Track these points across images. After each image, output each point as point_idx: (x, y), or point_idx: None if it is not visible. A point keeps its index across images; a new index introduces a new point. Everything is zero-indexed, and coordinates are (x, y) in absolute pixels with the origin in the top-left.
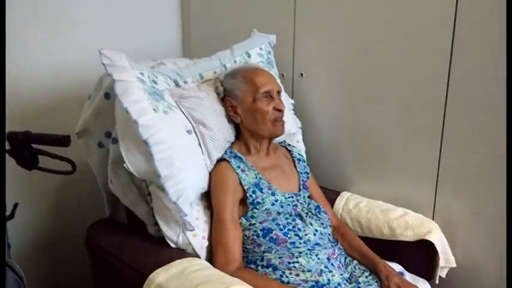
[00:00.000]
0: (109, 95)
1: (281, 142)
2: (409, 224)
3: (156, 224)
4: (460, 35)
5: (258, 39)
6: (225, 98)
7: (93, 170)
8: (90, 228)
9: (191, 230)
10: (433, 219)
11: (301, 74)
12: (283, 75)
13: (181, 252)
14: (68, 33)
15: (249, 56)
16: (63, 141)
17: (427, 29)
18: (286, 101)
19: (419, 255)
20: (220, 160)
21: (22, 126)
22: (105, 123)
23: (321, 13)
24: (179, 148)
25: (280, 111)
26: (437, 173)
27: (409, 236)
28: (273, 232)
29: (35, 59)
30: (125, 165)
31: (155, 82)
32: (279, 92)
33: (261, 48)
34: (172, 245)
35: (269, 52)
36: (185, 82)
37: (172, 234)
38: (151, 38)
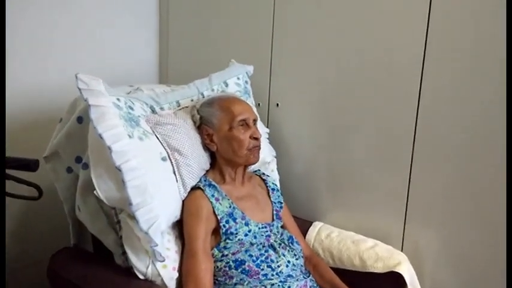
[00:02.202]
0: (82, 119)
1: (256, 171)
2: (379, 255)
3: (124, 253)
4: (429, 71)
5: (236, 69)
6: (201, 125)
7: (59, 195)
8: (53, 257)
9: (161, 261)
10: (402, 251)
11: (277, 104)
12: (259, 104)
13: (149, 284)
14: (42, 54)
15: (227, 85)
16: (30, 165)
17: (398, 61)
18: (262, 130)
19: (389, 287)
20: (194, 188)
21: None
22: (76, 148)
23: (297, 44)
24: (153, 175)
25: (257, 139)
26: (406, 204)
27: (379, 267)
28: (246, 264)
29: (9, 80)
30: (95, 192)
31: (131, 108)
32: (255, 121)
33: (238, 78)
34: (141, 276)
35: (246, 82)
36: (162, 108)
37: (141, 265)
38: (128, 63)
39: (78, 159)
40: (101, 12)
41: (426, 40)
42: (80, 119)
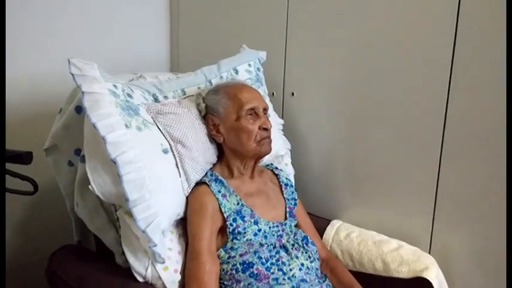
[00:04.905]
0: (81, 109)
1: (268, 165)
2: (404, 258)
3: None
4: (459, 61)
5: (247, 55)
6: (207, 115)
7: (61, 190)
8: (52, 256)
9: (161, 263)
10: (429, 253)
11: (292, 93)
12: (273, 93)
13: (149, 287)
14: (45, 43)
15: (237, 72)
16: (23, 158)
17: (426, 43)
18: (276, 121)
19: None
20: (199, 183)
21: None
22: (75, 140)
23: (314, 30)
24: (152, 169)
25: (267, 130)
26: (435, 201)
27: (404, 272)
28: (254, 266)
29: (8, 70)
30: (90, 186)
31: (130, 96)
32: (265, 110)
33: (249, 65)
34: (140, 279)
35: (258, 69)
36: (165, 97)
37: (139, 267)
38: (137, 53)
39: (78, 152)
40: None
41: (457, 19)
42: (78, 109)
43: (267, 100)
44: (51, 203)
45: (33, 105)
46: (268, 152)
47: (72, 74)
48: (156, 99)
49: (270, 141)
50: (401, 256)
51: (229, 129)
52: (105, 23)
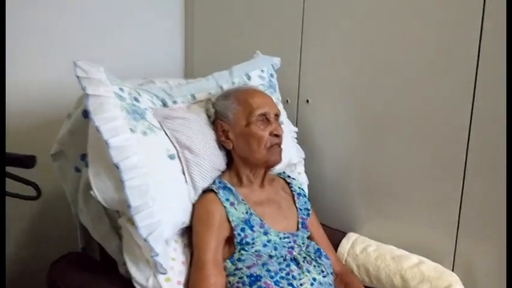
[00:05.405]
0: (87, 113)
1: (280, 173)
2: (425, 275)
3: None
4: (484, 68)
5: (260, 61)
6: (216, 121)
7: (67, 196)
8: (53, 264)
9: (163, 273)
10: (453, 270)
11: (307, 101)
12: (287, 101)
13: None
14: (53, 48)
15: (249, 78)
16: (25, 161)
17: (448, 49)
18: (289, 129)
19: None
20: (206, 191)
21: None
22: (81, 145)
23: (330, 35)
24: (157, 175)
25: (278, 136)
26: (459, 215)
27: None
28: (262, 280)
29: (17, 76)
30: (91, 192)
31: (137, 100)
32: (277, 116)
33: (262, 71)
34: None
35: (271, 75)
36: (174, 102)
37: (140, 277)
38: (150, 58)
39: (83, 157)
40: (119, 1)
41: (482, 20)
42: (85, 113)
43: (280, 107)
44: (57, 209)
45: (40, 111)
46: (278, 162)
47: (78, 77)
48: (164, 104)
49: (281, 150)
50: (422, 273)
51: (239, 136)
52: (118, 30)
